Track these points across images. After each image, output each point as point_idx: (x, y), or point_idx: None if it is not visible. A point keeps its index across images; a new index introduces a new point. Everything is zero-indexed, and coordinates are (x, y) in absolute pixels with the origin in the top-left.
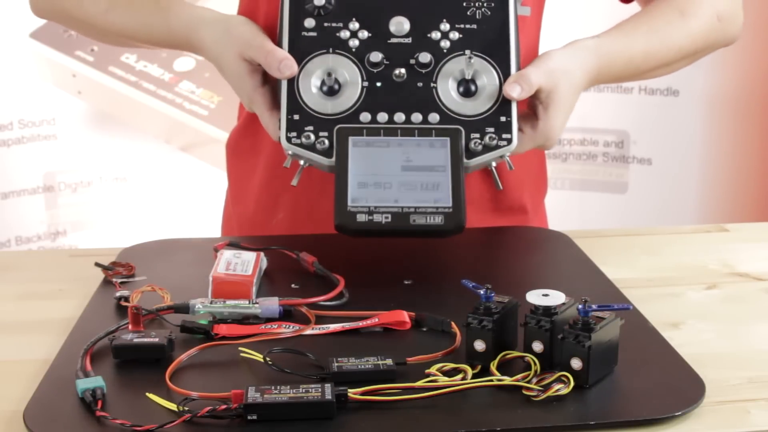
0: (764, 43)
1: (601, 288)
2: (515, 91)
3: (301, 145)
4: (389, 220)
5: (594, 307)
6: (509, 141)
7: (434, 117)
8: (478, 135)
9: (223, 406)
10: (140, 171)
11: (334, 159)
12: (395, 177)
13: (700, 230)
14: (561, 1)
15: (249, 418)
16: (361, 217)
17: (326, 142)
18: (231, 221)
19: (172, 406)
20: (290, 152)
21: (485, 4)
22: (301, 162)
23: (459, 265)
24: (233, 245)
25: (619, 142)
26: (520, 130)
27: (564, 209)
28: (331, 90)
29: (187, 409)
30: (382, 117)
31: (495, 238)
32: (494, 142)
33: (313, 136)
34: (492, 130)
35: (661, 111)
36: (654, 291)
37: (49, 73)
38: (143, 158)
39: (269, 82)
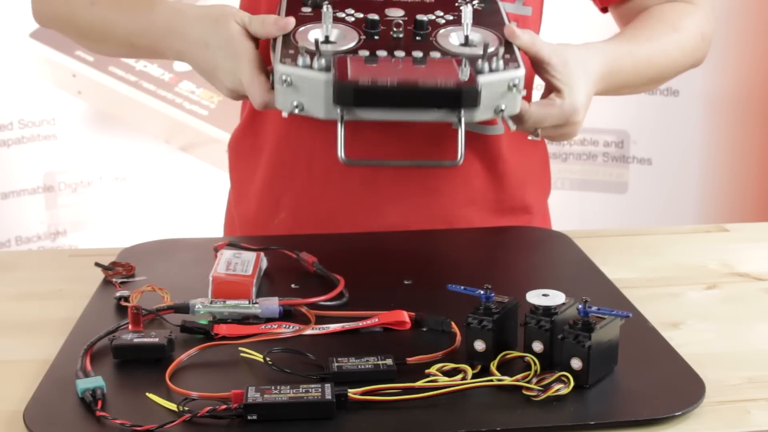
0: (764, 43)
1: (601, 288)
2: (517, 30)
3: (296, 65)
4: (395, 83)
5: (594, 308)
6: (517, 66)
7: (435, 54)
8: (485, 62)
9: (223, 406)
10: (140, 171)
11: (332, 73)
12: (399, 67)
13: (700, 230)
14: (561, 2)
15: (249, 418)
16: (365, 80)
17: (323, 60)
18: (233, 221)
19: (172, 406)
20: (284, 76)
21: (476, 3)
22: (295, 103)
23: (459, 265)
24: (233, 245)
25: (619, 142)
26: (548, 99)
27: (564, 209)
28: (327, 40)
29: (187, 409)
30: (382, 54)
31: (495, 238)
32: (502, 65)
33: (309, 58)
34: (497, 58)
35: (661, 111)
36: (654, 291)
37: (49, 73)
38: (143, 158)
39: (260, 50)
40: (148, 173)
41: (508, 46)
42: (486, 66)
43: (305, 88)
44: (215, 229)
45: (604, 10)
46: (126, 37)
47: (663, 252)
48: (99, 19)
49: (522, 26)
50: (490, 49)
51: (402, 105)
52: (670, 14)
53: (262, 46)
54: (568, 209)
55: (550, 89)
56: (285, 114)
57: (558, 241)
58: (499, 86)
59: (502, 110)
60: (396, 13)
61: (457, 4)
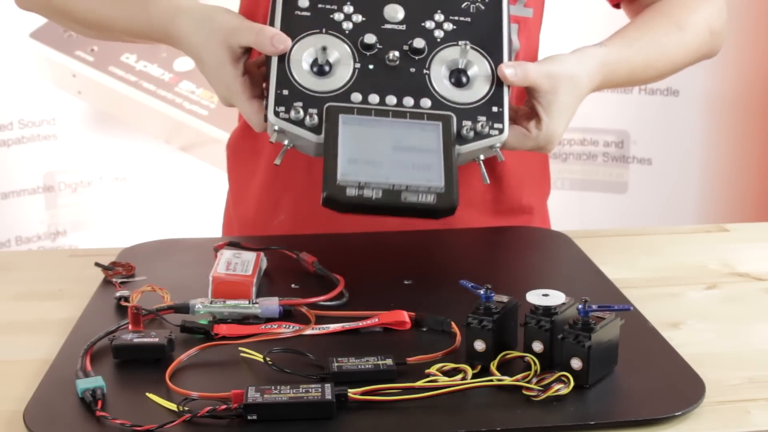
0: (764, 43)
1: (601, 288)
2: (509, 71)
3: (289, 120)
4: (380, 196)
5: (594, 307)
6: (501, 131)
7: (426, 102)
8: (469, 122)
9: (223, 406)
10: (140, 171)
11: (322, 136)
12: (386, 156)
13: (700, 230)
14: (561, 2)
15: (249, 418)
16: (351, 191)
17: (315, 118)
18: (232, 223)
19: (172, 406)
20: (276, 127)
21: (479, 0)
22: (285, 142)
23: (459, 265)
24: (233, 245)
25: (619, 142)
26: (525, 129)
27: (564, 209)
28: (322, 70)
29: (187, 409)
30: (374, 98)
31: (495, 238)
32: (486, 130)
33: (302, 112)
34: (484, 118)
35: (661, 111)
36: (654, 291)
37: (49, 73)
38: (143, 158)
39: (249, 73)
40: (148, 173)
41: (498, 91)
42: (471, 132)
43: (296, 139)
44: (215, 230)
45: (616, 6)
46: (123, 33)
47: (663, 252)
48: (95, 14)
49: (523, 27)
50: (478, 110)
51: (385, 214)
52: (677, 10)
53: (255, 54)
54: (568, 209)
55: (532, 110)
56: (276, 142)
57: (558, 241)
58: (480, 150)
59: (479, 159)
60: (394, 15)
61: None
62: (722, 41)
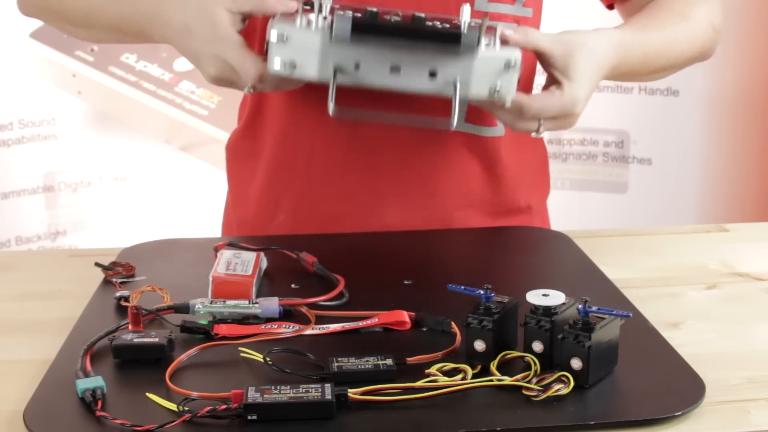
0: (764, 43)
1: (601, 288)
2: (509, 31)
3: (293, 24)
4: (399, 19)
5: (594, 308)
6: (514, 51)
7: (436, 22)
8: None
9: (223, 406)
10: (140, 171)
11: (330, 34)
12: (406, 16)
13: (700, 230)
14: (560, 2)
15: (249, 418)
16: (370, 15)
17: (320, 20)
18: (231, 224)
19: (172, 406)
20: (284, 35)
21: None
22: (288, 60)
23: (459, 265)
24: (233, 245)
25: (619, 142)
26: (547, 91)
27: (564, 209)
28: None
29: (187, 409)
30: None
31: (495, 238)
32: (500, 44)
33: (306, 19)
34: (496, 35)
35: (661, 111)
36: (654, 291)
37: (49, 73)
38: (143, 158)
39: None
40: (148, 173)
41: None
42: (483, 43)
43: (301, 45)
44: (215, 230)
45: (610, 6)
46: (113, 23)
47: (663, 252)
48: (85, 6)
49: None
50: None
51: (401, 36)
52: (679, 4)
53: (243, 34)
54: (568, 209)
55: (551, 80)
56: (276, 68)
57: (558, 241)
58: (495, 63)
59: (497, 90)
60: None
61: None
62: (719, 41)
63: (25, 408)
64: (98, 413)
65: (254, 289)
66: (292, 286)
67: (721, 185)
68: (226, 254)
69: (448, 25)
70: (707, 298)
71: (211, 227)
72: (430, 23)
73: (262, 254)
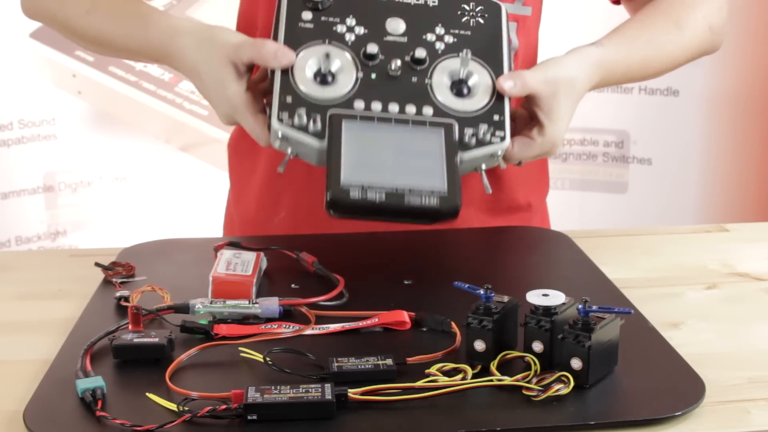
0: (764, 43)
1: (601, 288)
2: (507, 84)
3: (292, 126)
4: (383, 198)
5: (594, 308)
6: (502, 138)
7: (428, 110)
8: (471, 130)
9: (223, 406)
10: (140, 171)
11: (326, 142)
12: (389, 160)
13: (700, 230)
14: (560, 1)
15: (249, 418)
16: (355, 194)
17: (319, 124)
18: (232, 221)
19: (172, 406)
20: (280, 134)
21: (479, 14)
22: (289, 150)
23: (459, 265)
24: (233, 245)
25: (619, 142)
26: (527, 137)
27: (564, 209)
28: (325, 78)
29: (187, 409)
30: (376, 106)
31: (495, 238)
32: (488, 137)
33: (305, 118)
34: (485, 126)
35: (661, 111)
36: (654, 291)
37: (49, 73)
38: (143, 158)
39: (250, 89)
40: (148, 173)
41: (499, 100)
42: (473, 139)
43: (299, 146)
44: (215, 229)
45: (616, 2)
46: (123, 50)
47: (663, 252)
48: (95, 29)
49: (522, 25)
50: (480, 112)
51: (388, 218)
52: (676, 8)
53: (244, 32)
54: (568, 209)
55: (533, 118)
56: (277, 147)
57: (558, 241)
58: (482, 158)
59: (481, 169)
60: (396, 28)
61: (459, 13)
62: (723, 38)
63: (25, 408)
64: (98, 413)
65: (254, 289)
66: (292, 286)
67: (721, 185)
68: (226, 254)
69: (430, 198)
70: (707, 298)
71: (212, 227)
72: (413, 200)
73: (262, 254)
